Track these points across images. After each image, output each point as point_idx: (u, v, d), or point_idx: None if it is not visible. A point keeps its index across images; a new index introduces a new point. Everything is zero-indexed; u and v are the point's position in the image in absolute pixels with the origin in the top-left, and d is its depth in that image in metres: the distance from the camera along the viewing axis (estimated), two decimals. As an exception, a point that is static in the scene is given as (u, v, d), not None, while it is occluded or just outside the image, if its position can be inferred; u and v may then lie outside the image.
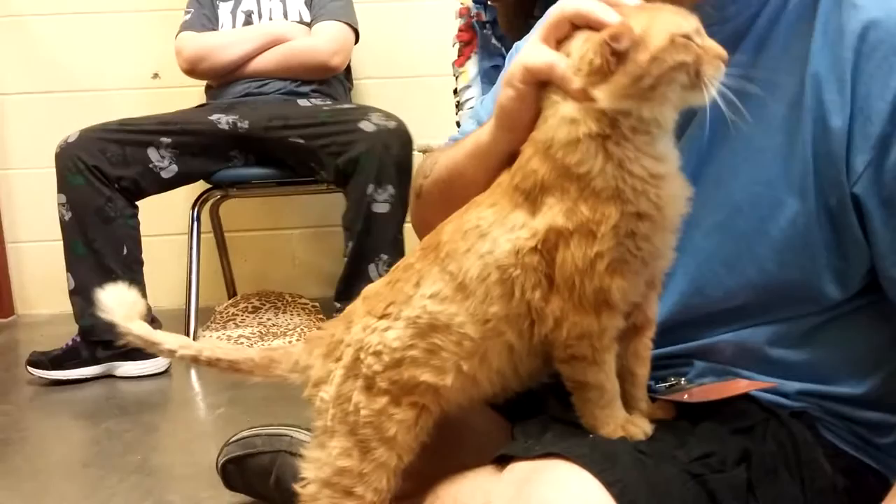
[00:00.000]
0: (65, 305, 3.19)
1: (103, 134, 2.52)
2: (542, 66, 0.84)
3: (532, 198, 0.84)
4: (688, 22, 0.80)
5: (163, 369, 2.44)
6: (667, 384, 0.97)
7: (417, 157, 3.04)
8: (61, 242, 3.19)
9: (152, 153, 2.52)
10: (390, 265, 2.43)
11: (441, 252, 0.88)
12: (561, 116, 0.82)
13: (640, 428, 0.85)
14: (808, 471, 0.88)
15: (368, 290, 0.94)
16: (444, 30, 2.57)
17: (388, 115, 2.57)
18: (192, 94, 2.86)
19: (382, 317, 0.89)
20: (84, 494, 1.67)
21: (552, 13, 0.86)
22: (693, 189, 0.93)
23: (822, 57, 0.88)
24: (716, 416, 0.89)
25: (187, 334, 2.60)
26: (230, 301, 3.05)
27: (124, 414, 2.13)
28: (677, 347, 0.98)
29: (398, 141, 2.51)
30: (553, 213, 0.82)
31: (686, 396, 0.92)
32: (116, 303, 1.01)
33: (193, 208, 2.77)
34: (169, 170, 2.55)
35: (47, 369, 2.37)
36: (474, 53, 2.35)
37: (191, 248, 2.75)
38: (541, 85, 0.86)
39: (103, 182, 2.45)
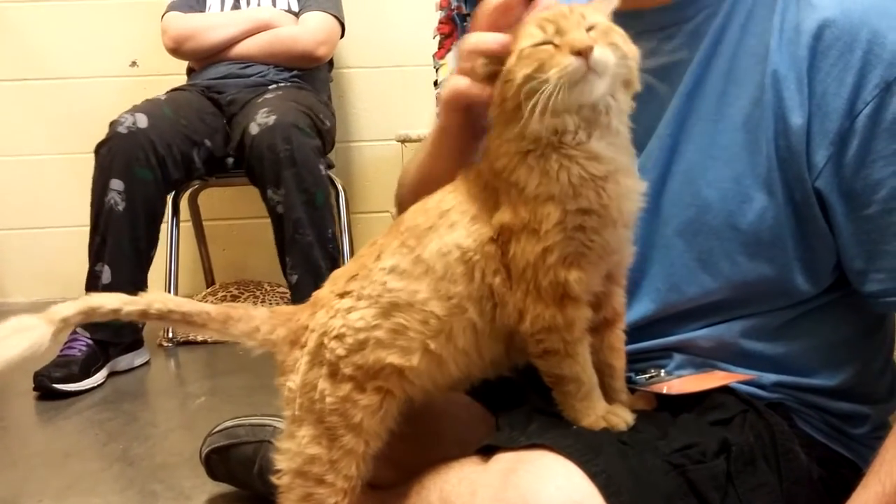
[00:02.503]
0: (42, 293, 3.18)
1: (169, 126, 2.40)
2: (452, 93, 0.91)
3: (486, 194, 0.87)
4: (536, 28, 0.80)
5: (147, 358, 2.44)
6: (646, 376, 0.99)
7: (394, 147, 3.05)
8: (38, 230, 3.16)
9: (195, 155, 2.48)
10: (292, 268, 2.42)
11: (402, 226, 0.90)
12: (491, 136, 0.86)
13: (622, 418, 0.87)
14: (784, 461, 0.90)
15: (336, 272, 0.95)
16: (425, 21, 2.58)
17: (273, 109, 2.43)
18: (170, 82, 2.83)
19: (344, 294, 0.90)
20: (66, 484, 1.65)
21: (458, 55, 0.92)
22: (662, 188, 0.96)
23: (781, 55, 0.90)
24: (695, 408, 0.91)
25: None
26: (208, 290, 3.03)
27: (104, 403, 2.12)
28: (656, 342, 1.00)
29: (281, 135, 2.36)
30: (502, 211, 0.84)
31: (665, 389, 0.94)
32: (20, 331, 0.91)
33: (172, 197, 2.73)
34: (199, 171, 2.54)
35: (79, 381, 2.17)
36: (455, 46, 2.35)
37: (170, 236, 2.71)
38: (466, 108, 0.91)
39: (165, 182, 2.38)
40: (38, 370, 2.16)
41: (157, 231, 2.41)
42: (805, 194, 0.90)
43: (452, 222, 0.87)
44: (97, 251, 2.32)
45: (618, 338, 0.92)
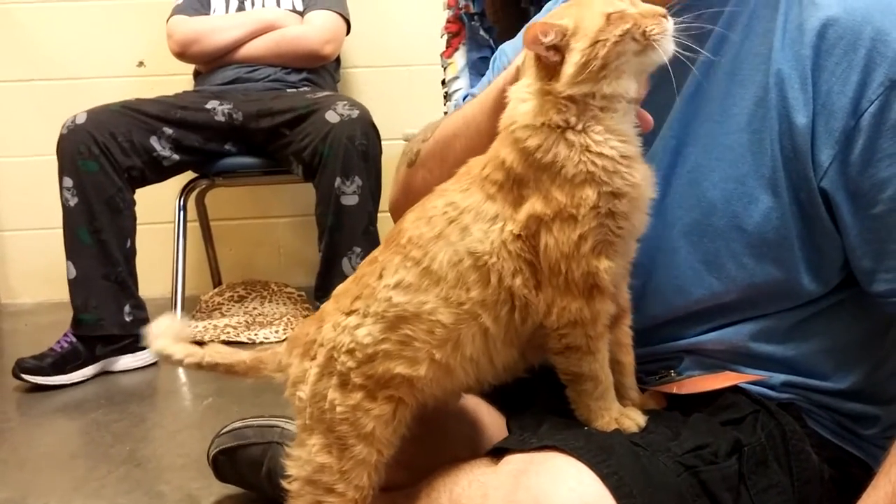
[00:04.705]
0: (48, 294, 3.18)
1: (111, 117, 2.44)
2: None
3: (506, 189, 0.86)
4: (620, 1, 0.84)
5: (154, 360, 2.43)
6: (657, 376, 0.98)
7: (401, 146, 3.05)
8: (44, 231, 3.16)
9: (155, 142, 2.48)
10: (363, 258, 2.46)
11: (402, 239, 0.89)
12: (516, 98, 0.87)
13: (634, 420, 0.86)
14: (796, 461, 0.89)
15: (339, 288, 0.96)
16: (432, 20, 2.57)
17: (353, 104, 2.51)
18: (177, 82, 2.83)
19: (350, 313, 0.90)
20: (73, 486, 1.66)
21: None
22: (667, 189, 0.96)
23: (784, 55, 0.90)
24: (706, 408, 0.91)
25: (174, 323, 2.59)
26: (216, 290, 3.03)
27: (111, 404, 2.11)
28: (665, 346, 1.00)
29: (361, 130, 2.44)
30: (532, 202, 0.84)
31: (675, 389, 0.93)
32: (163, 332, 1.05)
33: (180, 197, 2.75)
34: (170, 159, 2.52)
35: (48, 375, 2.22)
36: (462, 45, 2.34)
37: (177, 236, 2.72)
38: None
39: (115, 171, 2.39)
40: (21, 357, 2.24)
41: (126, 222, 2.42)
42: (811, 194, 0.90)
43: (465, 226, 0.86)
44: (65, 251, 2.37)
45: (625, 334, 0.93)
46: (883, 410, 0.99)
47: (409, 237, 0.88)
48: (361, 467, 0.88)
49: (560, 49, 0.83)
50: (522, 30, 1.19)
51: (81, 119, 2.41)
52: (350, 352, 0.88)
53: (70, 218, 2.36)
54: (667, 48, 0.83)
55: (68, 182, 2.36)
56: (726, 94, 0.93)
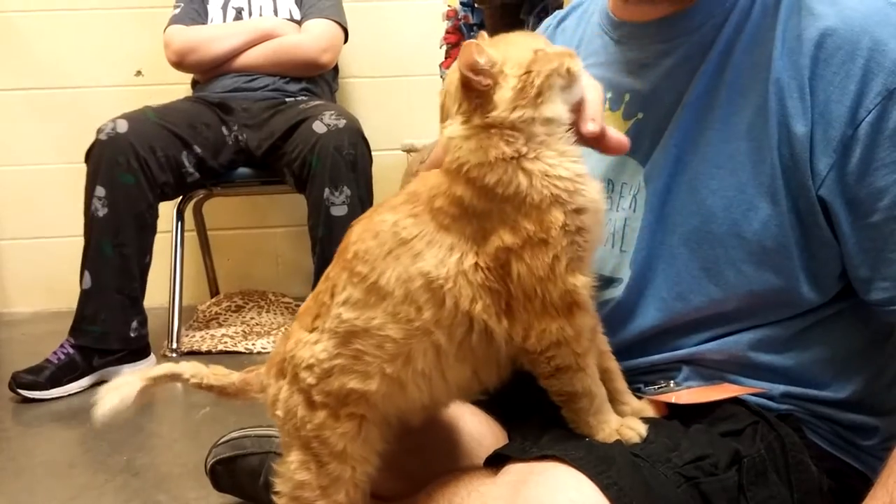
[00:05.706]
0: (46, 304, 3.18)
1: (151, 129, 2.41)
2: None
3: (463, 222, 0.85)
4: (536, 40, 0.88)
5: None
6: (655, 386, 0.98)
7: (399, 156, 3.06)
8: (42, 240, 3.16)
9: (184, 157, 2.49)
10: None
11: (348, 254, 0.89)
12: (459, 138, 0.85)
13: (635, 431, 0.86)
14: (795, 473, 0.89)
15: (302, 307, 0.96)
16: (431, 30, 2.58)
17: (341, 113, 2.51)
18: (175, 91, 2.83)
19: (312, 330, 0.90)
20: (71, 495, 1.65)
21: None
22: (667, 197, 0.96)
23: (783, 64, 0.90)
24: (706, 419, 0.91)
25: (171, 333, 2.59)
26: (213, 300, 3.03)
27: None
28: (664, 356, 1.00)
29: (349, 139, 2.43)
30: (499, 235, 0.83)
31: (674, 399, 0.93)
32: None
33: (177, 206, 2.75)
34: (192, 176, 2.53)
35: (44, 389, 2.20)
36: (461, 56, 2.36)
37: (174, 246, 2.72)
38: None
39: (150, 186, 2.37)
40: (17, 370, 2.22)
41: (149, 237, 2.41)
42: (809, 202, 0.90)
43: (418, 252, 0.85)
44: (83, 259, 2.35)
45: (602, 340, 0.93)
46: (882, 421, 0.99)
47: (354, 252, 0.88)
48: (339, 484, 0.89)
49: (493, 76, 0.83)
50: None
51: (122, 128, 2.37)
52: (309, 367, 0.88)
53: (95, 228, 2.33)
54: (586, 81, 0.88)
55: (101, 191, 2.32)
56: (727, 102, 0.94)
